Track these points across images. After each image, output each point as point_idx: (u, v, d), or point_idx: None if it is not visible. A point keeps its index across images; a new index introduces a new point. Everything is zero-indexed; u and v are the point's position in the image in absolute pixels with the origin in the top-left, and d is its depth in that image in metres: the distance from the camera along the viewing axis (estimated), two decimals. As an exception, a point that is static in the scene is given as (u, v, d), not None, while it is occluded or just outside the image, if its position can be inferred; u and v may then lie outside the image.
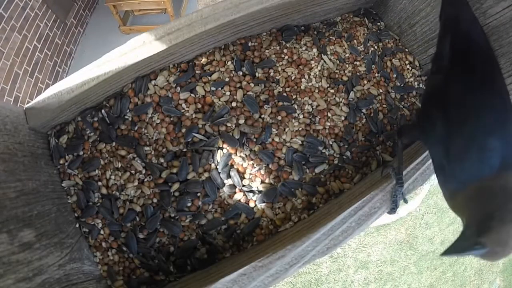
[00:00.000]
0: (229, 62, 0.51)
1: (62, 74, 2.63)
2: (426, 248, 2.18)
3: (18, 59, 2.19)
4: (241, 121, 0.48)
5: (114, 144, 0.46)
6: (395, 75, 0.58)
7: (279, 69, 0.52)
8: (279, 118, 0.49)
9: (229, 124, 0.47)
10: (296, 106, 0.50)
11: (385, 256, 2.14)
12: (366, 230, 2.18)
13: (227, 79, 0.49)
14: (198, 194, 0.45)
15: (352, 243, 2.14)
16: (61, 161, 0.43)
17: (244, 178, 0.46)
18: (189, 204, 0.45)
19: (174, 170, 0.45)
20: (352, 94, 0.53)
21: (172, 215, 0.44)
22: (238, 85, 0.50)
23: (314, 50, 0.55)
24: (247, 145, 0.47)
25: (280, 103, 0.50)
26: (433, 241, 2.19)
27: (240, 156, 0.47)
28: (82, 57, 2.76)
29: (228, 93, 0.49)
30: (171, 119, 0.47)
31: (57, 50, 2.56)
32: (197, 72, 0.49)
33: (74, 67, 2.71)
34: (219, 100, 0.48)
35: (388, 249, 2.16)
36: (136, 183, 0.45)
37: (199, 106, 0.48)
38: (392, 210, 0.43)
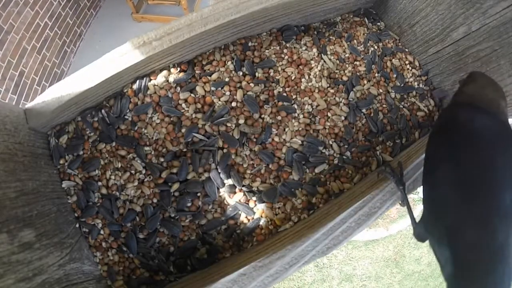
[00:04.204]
0: (229, 62, 0.50)
1: (70, 55, 2.62)
2: (412, 268, 2.16)
3: (27, 34, 2.20)
4: (241, 121, 0.48)
5: (114, 144, 0.46)
6: (395, 75, 0.58)
7: (279, 69, 0.52)
8: (279, 118, 0.49)
9: (229, 124, 0.47)
10: (296, 106, 0.50)
11: (371, 271, 2.13)
12: (354, 244, 2.18)
13: (227, 79, 0.49)
14: (198, 194, 0.45)
15: (338, 254, 2.14)
16: (61, 161, 0.43)
17: (244, 178, 0.46)
18: (189, 204, 0.45)
19: (174, 170, 0.45)
20: (352, 94, 0.53)
21: (172, 215, 0.45)
22: (238, 85, 0.50)
23: (314, 50, 0.55)
24: (247, 145, 0.47)
25: (280, 103, 0.50)
26: (420, 262, 2.17)
27: (240, 156, 0.47)
28: (92, 39, 2.74)
29: (228, 93, 0.49)
30: (171, 119, 0.47)
31: (68, 29, 2.56)
32: (197, 72, 0.49)
33: (82, 49, 2.71)
34: (219, 100, 0.48)
35: (374, 265, 2.15)
36: (136, 183, 0.45)
37: (199, 106, 0.48)
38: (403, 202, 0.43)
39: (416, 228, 0.38)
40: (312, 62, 0.54)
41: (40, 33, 2.31)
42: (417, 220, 0.38)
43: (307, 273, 2.07)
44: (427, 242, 0.36)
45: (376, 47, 0.59)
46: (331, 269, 2.11)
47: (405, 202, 0.42)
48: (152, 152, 0.46)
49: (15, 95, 2.16)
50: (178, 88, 0.48)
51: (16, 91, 2.16)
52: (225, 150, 0.47)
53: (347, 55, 0.57)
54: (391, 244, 2.20)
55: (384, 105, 0.55)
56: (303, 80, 0.52)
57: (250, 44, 0.53)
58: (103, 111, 0.46)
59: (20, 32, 2.14)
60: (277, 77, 0.52)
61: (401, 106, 0.56)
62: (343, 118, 0.51)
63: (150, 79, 0.47)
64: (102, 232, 0.43)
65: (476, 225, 0.30)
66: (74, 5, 2.59)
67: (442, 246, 0.32)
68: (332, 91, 0.53)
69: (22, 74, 2.20)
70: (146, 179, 0.45)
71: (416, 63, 0.60)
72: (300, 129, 0.49)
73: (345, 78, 0.54)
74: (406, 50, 0.61)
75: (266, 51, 0.53)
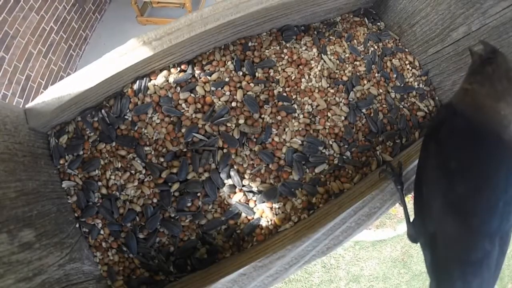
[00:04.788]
0: (229, 62, 0.51)
1: (75, 58, 2.64)
2: (420, 268, 2.15)
3: (33, 38, 2.22)
4: (241, 121, 0.48)
5: (114, 144, 0.46)
6: (395, 75, 0.58)
7: (279, 69, 0.52)
8: (279, 118, 0.49)
9: (229, 124, 0.47)
10: (296, 106, 0.50)
11: (378, 272, 2.12)
12: (362, 244, 2.17)
13: (227, 79, 0.49)
14: (198, 194, 0.45)
15: (346, 255, 2.13)
16: (61, 161, 0.43)
17: (244, 178, 0.46)
18: (189, 204, 0.45)
19: (174, 170, 0.45)
20: (352, 94, 0.53)
21: (172, 215, 0.44)
22: (238, 85, 0.50)
23: (314, 50, 0.55)
24: (247, 145, 0.47)
25: (280, 103, 0.50)
26: None
27: (240, 156, 0.47)
28: (97, 43, 2.77)
29: (228, 93, 0.49)
30: (171, 119, 0.47)
31: (73, 33, 2.58)
32: (197, 72, 0.49)
33: (88, 53, 2.73)
34: (219, 100, 0.48)
35: (382, 265, 2.14)
36: (136, 183, 0.45)
37: (199, 106, 0.48)
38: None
39: (409, 229, 0.38)
40: (312, 62, 0.54)
41: (45, 38, 2.32)
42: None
43: (314, 274, 2.07)
44: None
45: (376, 47, 0.59)
46: (339, 269, 2.10)
47: (401, 202, 0.42)
48: (152, 152, 0.46)
49: (22, 99, 2.17)
50: (178, 88, 0.48)
51: (22, 95, 2.18)
52: (225, 150, 0.47)
53: (347, 55, 0.57)
54: (399, 244, 2.19)
55: (384, 105, 0.55)
56: (303, 80, 0.52)
57: (250, 44, 0.53)
58: (103, 111, 0.46)
59: (26, 36, 2.16)
60: (277, 77, 0.52)
61: (401, 106, 0.56)
62: (343, 118, 0.51)
63: (150, 79, 0.47)
64: (102, 232, 0.43)
65: (457, 238, 0.30)
66: (79, 9, 2.61)
67: (426, 250, 0.34)
68: (332, 91, 0.53)
69: (29, 78, 2.21)
70: (146, 179, 0.45)
71: (416, 63, 0.60)
72: (300, 129, 0.49)
73: (345, 78, 0.54)
74: (406, 50, 0.61)
75: (266, 51, 0.53)
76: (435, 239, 0.32)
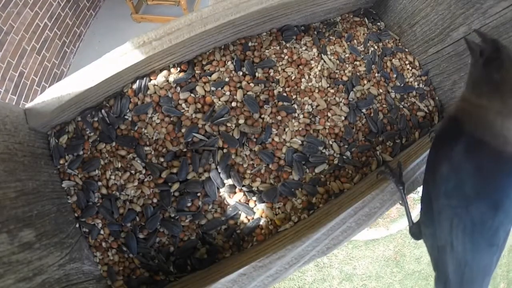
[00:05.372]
0: (229, 62, 0.50)
1: (69, 55, 2.63)
2: (413, 267, 2.16)
3: (27, 35, 2.21)
4: (241, 121, 0.48)
5: (114, 144, 0.46)
6: (395, 75, 0.58)
7: (279, 69, 0.52)
8: (279, 118, 0.49)
9: (229, 124, 0.47)
10: (296, 106, 0.50)
11: (371, 271, 2.13)
12: (355, 243, 2.18)
13: (227, 79, 0.49)
14: (198, 194, 0.45)
15: (339, 254, 2.14)
16: (61, 161, 0.43)
17: (244, 178, 0.46)
18: (189, 204, 0.45)
19: (174, 170, 0.45)
20: (352, 94, 0.53)
21: (172, 215, 0.45)
22: (238, 85, 0.50)
23: (314, 50, 0.55)
24: (247, 145, 0.47)
25: (280, 103, 0.50)
26: (420, 261, 2.17)
27: (240, 156, 0.47)
28: (92, 40, 2.76)
29: (228, 93, 0.49)
30: (171, 119, 0.47)
31: (67, 30, 2.58)
32: (197, 72, 0.49)
33: (82, 49, 2.73)
34: (219, 100, 0.48)
35: (375, 264, 2.15)
36: (136, 183, 0.45)
37: (199, 106, 0.48)
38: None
39: (412, 228, 0.40)
40: (312, 62, 0.54)
41: (39, 34, 2.32)
42: (415, 219, 0.40)
43: (307, 273, 2.08)
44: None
45: (376, 47, 0.59)
46: (332, 268, 2.11)
47: (403, 202, 0.42)
48: (152, 152, 0.46)
49: (15, 96, 2.17)
50: (178, 88, 0.48)
51: (16, 92, 2.17)
52: (225, 150, 0.47)
53: (347, 55, 0.57)
54: (392, 244, 2.20)
55: (384, 105, 0.55)
56: (303, 80, 0.52)
57: (250, 44, 0.53)
58: (103, 111, 0.46)
59: (20, 33, 2.15)
60: (277, 77, 0.52)
61: (401, 106, 0.56)
62: (343, 118, 0.51)
63: (150, 79, 0.47)
64: (102, 232, 0.43)
65: (468, 251, 0.32)
66: (73, 5, 2.60)
67: (434, 251, 0.35)
68: (332, 91, 0.53)
69: (22, 74, 2.21)
70: (146, 179, 0.45)
71: (416, 63, 0.60)
72: (300, 129, 0.49)
73: (345, 78, 0.54)
74: (406, 50, 0.61)
75: (266, 51, 0.53)
76: (445, 249, 0.33)
